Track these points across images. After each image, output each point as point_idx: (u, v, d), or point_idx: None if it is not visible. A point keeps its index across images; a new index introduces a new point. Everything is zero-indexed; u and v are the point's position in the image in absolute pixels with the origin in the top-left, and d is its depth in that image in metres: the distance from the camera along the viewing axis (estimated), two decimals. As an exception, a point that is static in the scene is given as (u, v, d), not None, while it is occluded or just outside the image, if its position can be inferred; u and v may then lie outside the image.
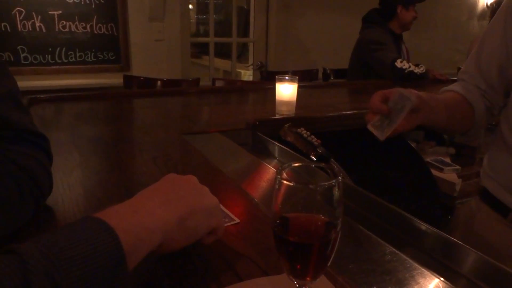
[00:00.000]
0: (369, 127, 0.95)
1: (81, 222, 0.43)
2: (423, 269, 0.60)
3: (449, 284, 0.57)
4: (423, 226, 0.77)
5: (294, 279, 0.45)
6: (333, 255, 0.44)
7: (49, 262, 0.37)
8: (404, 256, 0.64)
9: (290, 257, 0.45)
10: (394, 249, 0.66)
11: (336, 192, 0.42)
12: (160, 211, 0.49)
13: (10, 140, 0.66)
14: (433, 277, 0.59)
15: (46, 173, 0.69)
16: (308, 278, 0.45)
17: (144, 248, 0.46)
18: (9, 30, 2.95)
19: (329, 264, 0.45)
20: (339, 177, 0.42)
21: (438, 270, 0.67)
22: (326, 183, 0.42)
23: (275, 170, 1.02)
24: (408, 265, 0.61)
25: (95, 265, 0.39)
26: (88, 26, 3.16)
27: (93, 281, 0.39)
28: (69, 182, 0.85)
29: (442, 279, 0.58)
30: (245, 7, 4.42)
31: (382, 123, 0.94)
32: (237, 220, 0.70)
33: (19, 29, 2.97)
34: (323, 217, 0.44)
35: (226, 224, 0.66)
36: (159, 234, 0.48)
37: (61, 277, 0.36)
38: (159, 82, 2.50)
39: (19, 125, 0.67)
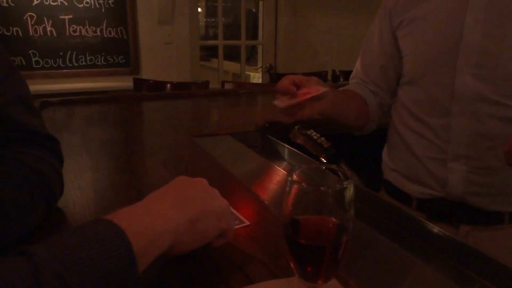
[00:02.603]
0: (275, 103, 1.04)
1: (91, 224, 0.43)
2: (435, 272, 0.59)
3: (462, 287, 0.56)
4: (436, 229, 0.76)
5: (305, 282, 0.45)
6: (344, 258, 0.44)
7: (60, 264, 0.37)
8: (416, 259, 0.63)
9: (301, 260, 0.44)
10: (405, 252, 0.65)
11: (348, 194, 0.41)
12: (171, 213, 0.49)
13: (21, 142, 0.66)
14: (446, 279, 0.58)
15: (57, 176, 0.70)
16: (319, 281, 0.44)
17: (155, 250, 0.46)
18: (20, 34, 2.99)
19: (340, 267, 0.44)
20: (351, 179, 0.42)
21: (450, 273, 0.66)
22: (338, 185, 0.41)
23: (285, 172, 1.01)
24: (419, 268, 0.60)
25: (106, 267, 0.39)
26: (98, 30, 3.19)
27: (103, 283, 0.39)
28: (80, 185, 0.85)
29: (454, 281, 0.58)
30: (254, 10, 4.43)
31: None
32: (247, 223, 0.69)
33: (31, 34, 3.02)
34: (334, 220, 0.43)
35: (236, 227, 0.66)
36: (169, 236, 0.48)
37: (72, 279, 0.37)
38: (168, 85, 2.51)
39: (30, 127, 0.68)
